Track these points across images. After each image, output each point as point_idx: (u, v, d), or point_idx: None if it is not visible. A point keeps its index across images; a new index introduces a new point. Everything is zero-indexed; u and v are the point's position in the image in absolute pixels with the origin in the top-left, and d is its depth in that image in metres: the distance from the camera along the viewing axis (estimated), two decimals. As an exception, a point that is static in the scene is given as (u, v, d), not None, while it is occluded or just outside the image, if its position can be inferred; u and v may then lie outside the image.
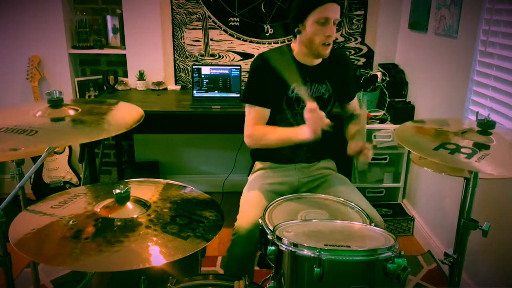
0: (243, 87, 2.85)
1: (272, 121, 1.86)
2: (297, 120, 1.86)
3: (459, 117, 2.26)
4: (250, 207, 1.73)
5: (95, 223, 1.19)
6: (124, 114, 1.45)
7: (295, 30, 1.78)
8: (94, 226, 1.17)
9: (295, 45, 1.84)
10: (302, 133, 1.64)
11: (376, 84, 2.96)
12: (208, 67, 2.85)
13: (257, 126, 1.82)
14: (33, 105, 1.39)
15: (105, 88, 3.05)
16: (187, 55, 3.13)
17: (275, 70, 1.75)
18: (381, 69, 3.08)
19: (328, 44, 1.74)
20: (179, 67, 3.16)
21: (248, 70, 1.89)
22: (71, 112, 1.35)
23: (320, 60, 1.85)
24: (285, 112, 1.85)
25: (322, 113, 1.57)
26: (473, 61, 2.16)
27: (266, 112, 1.83)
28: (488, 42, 2.06)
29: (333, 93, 1.89)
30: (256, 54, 3.11)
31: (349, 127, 1.90)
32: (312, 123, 1.57)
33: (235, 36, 3.10)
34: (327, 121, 1.57)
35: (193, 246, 1.13)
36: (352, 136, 1.77)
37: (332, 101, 1.91)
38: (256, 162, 2.00)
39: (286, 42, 1.77)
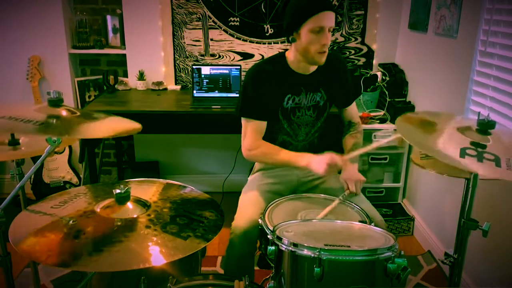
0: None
1: (269, 132, 1.85)
2: (294, 129, 1.86)
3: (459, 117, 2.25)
4: (247, 207, 1.73)
5: (95, 223, 1.19)
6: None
7: (290, 38, 1.74)
8: (94, 226, 1.17)
9: (290, 53, 1.80)
10: (305, 161, 1.69)
11: (376, 84, 2.96)
12: (208, 67, 2.85)
13: (258, 142, 1.80)
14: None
15: (105, 88, 3.05)
16: (187, 55, 3.13)
17: (270, 81, 1.77)
18: (381, 69, 3.08)
19: (324, 52, 1.70)
20: (179, 67, 3.16)
21: (243, 81, 1.86)
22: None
23: (315, 67, 1.82)
24: (282, 122, 1.84)
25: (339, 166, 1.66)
26: (473, 61, 2.16)
27: (263, 125, 1.82)
28: (488, 42, 2.06)
29: (328, 100, 1.88)
30: (256, 54, 3.13)
31: (347, 138, 1.92)
32: (328, 171, 1.62)
33: (235, 36, 3.10)
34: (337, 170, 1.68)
35: (193, 246, 1.13)
36: (348, 152, 1.82)
37: (328, 107, 1.90)
38: (256, 163, 2.00)
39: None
